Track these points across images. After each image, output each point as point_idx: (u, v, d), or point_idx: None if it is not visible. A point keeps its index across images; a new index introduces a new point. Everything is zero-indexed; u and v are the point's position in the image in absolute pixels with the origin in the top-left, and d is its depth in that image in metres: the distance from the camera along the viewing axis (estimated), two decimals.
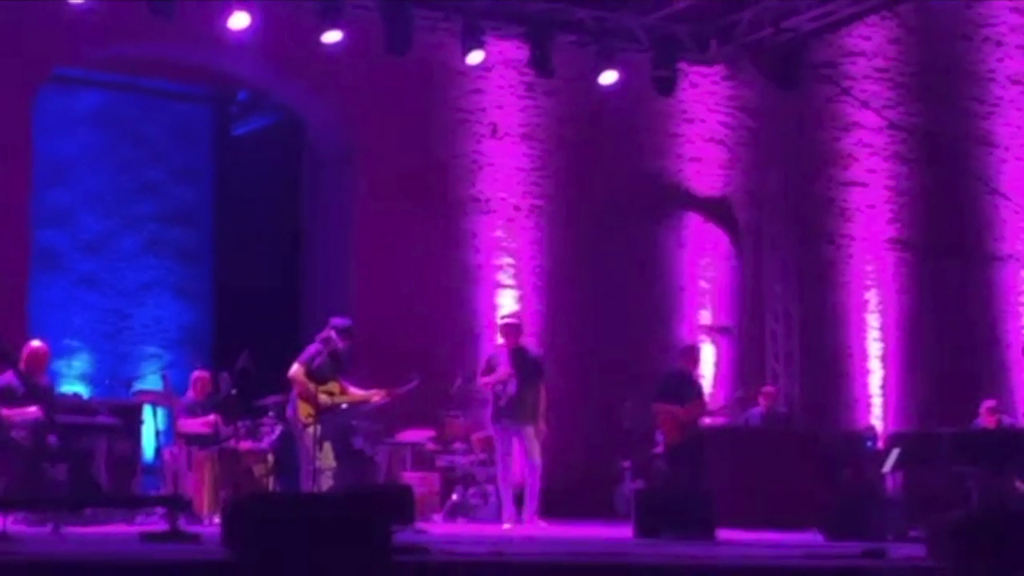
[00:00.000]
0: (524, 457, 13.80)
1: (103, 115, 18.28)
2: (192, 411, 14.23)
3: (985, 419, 16.23)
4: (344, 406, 13.31)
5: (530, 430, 13.66)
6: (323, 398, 12.82)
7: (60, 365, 16.76)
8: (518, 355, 13.84)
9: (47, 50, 15.99)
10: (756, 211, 19.63)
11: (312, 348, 13.22)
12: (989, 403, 16.54)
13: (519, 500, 13.93)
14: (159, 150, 18.61)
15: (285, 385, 13.25)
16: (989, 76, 21.36)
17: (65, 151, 17.98)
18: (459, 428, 16.39)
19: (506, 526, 13.53)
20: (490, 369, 13.88)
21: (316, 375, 12.87)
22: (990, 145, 21.26)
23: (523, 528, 13.33)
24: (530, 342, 14.58)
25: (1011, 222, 21.24)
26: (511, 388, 13.69)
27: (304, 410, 12.93)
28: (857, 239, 20.24)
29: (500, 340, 14.24)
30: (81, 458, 12.74)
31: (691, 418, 14.88)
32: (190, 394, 14.43)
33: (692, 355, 15.76)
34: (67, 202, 17.97)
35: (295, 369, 13.08)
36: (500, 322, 14.55)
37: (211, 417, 13.90)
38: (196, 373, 14.59)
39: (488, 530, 13.39)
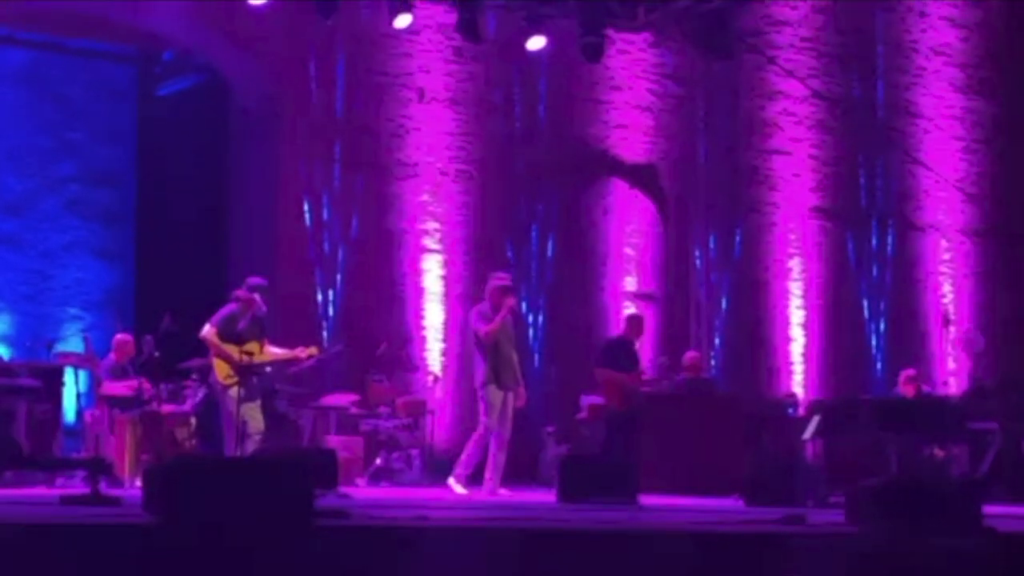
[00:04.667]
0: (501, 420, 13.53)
1: (25, 74, 18.04)
2: (115, 374, 14.13)
3: (904, 387, 16.40)
4: (268, 369, 13.20)
5: (511, 395, 13.57)
6: (243, 358, 12.61)
7: None
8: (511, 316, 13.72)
9: None
10: (681, 178, 19.71)
11: (227, 308, 12.99)
12: (908, 372, 16.72)
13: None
14: (82, 110, 18.39)
15: (206, 348, 13.11)
16: (912, 46, 21.52)
17: None
18: (384, 392, 16.38)
19: (503, 491, 13.33)
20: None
21: (238, 337, 12.68)
22: (913, 115, 21.43)
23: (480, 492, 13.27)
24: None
25: (932, 192, 21.43)
26: (505, 349, 13.58)
27: (222, 371, 12.68)
28: (781, 207, 20.36)
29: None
30: (1, 420, 12.63)
31: (635, 387, 15.07)
32: (112, 356, 14.32)
33: (637, 325, 15.92)
34: None
35: (207, 330, 12.77)
36: (500, 283, 13.73)
37: (134, 380, 13.79)
38: (118, 336, 14.47)
39: (412, 494, 13.39)
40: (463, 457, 13.50)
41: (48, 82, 18.18)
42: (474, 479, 13.56)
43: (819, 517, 9.21)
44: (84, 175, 18.36)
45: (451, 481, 13.41)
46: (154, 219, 18.25)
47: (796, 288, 20.40)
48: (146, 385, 13.67)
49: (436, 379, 17.39)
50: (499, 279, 13.77)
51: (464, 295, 18.08)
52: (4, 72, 17.92)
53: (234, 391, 12.49)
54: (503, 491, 13.26)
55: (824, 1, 20.81)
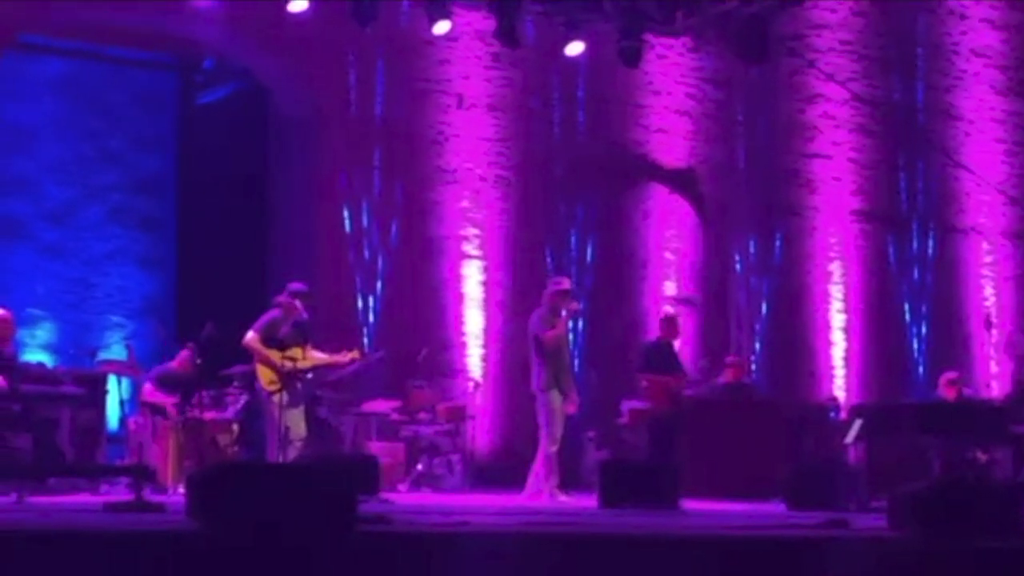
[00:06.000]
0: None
1: (67, 83, 18.16)
2: (164, 381, 14.18)
3: (944, 391, 16.30)
4: (309, 375, 13.22)
5: (565, 400, 13.39)
6: (286, 363, 12.66)
7: (24, 334, 16.65)
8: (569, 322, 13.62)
9: (11, 16, 15.88)
10: (721, 183, 19.68)
11: (269, 315, 13.03)
12: (949, 375, 16.60)
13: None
14: (123, 119, 18.50)
15: (248, 355, 13.13)
16: (953, 49, 21.43)
17: (28, 119, 17.87)
18: (424, 398, 16.40)
19: (563, 497, 13.22)
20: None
21: (280, 344, 12.73)
22: (953, 118, 21.34)
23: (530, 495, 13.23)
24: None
25: (974, 195, 21.34)
26: (564, 355, 13.44)
27: (266, 376, 12.71)
28: (821, 211, 20.31)
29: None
30: (45, 428, 12.72)
31: (679, 389, 15.03)
32: (174, 364, 14.30)
33: (672, 326, 15.87)
34: (30, 171, 17.87)
35: (250, 336, 12.82)
36: (561, 287, 13.60)
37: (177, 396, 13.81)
38: (185, 351, 14.36)
39: (453, 500, 13.41)
40: (540, 475, 13.25)
41: (89, 91, 18.29)
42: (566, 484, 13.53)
43: (862, 521, 9.20)
44: (125, 183, 18.46)
45: (557, 498, 13.08)
46: (195, 226, 18.33)
47: (837, 292, 20.34)
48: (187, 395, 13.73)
49: (477, 385, 17.41)
50: (559, 283, 13.65)
51: (504, 301, 18.11)
52: (45, 82, 18.05)
53: (278, 397, 12.52)
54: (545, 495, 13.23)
55: (864, 4, 20.75)
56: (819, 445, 16.48)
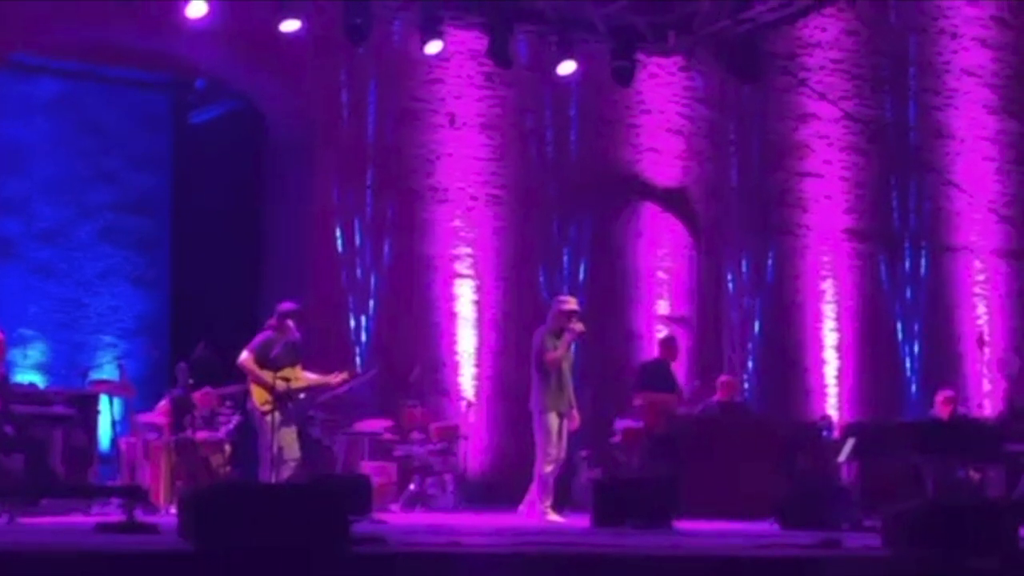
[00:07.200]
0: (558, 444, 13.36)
1: (60, 103, 18.17)
2: (178, 403, 14.19)
3: (940, 409, 16.32)
4: (302, 396, 13.19)
5: (566, 419, 13.35)
6: (279, 384, 12.64)
7: (15, 355, 16.66)
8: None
9: (4, 36, 15.89)
10: (713, 202, 19.70)
11: (263, 335, 13.01)
12: (946, 393, 16.62)
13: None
14: (117, 138, 18.50)
15: (242, 375, 13.11)
16: (944, 68, 21.47)
17: (21, 138, 17.87)
18: (417, 418, 16.38)
19: (555, 517, 13.15)
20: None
21: (272, 364, 12.70)
22: (945, 137, 21.38)
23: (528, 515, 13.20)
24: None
25: (965, 213, 21.36)
26: (565, 374, 13.33)
27: (260, 396, 12.68)
28: (813, 229, 20.33)
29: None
30: (37, 448, 12.69)
31: (673, 407, 15.05)
32: (197, 399, 14.24)
33: (672, 347, 15.87)
34: (23, 190, 17.87)
35: (244, 356, 12.76)
36: (567, 307, 13.39)
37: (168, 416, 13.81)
38: (207, 388, 14.33)
39: (446, 520, 13.39)
40: (534, 495, 13.24)
41: (83, 111, 18.30)
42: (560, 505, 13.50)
43: (855, 541, 9.19)
44: (119, 203, 18.46)
45: (548, 517, 13.07)
46: (188, 246, 18.32)
47: (829, 310, 20.35)
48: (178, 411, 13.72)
49: (469, 404, 17.40)
50: (563, 302, 13.46)
51: (496, 320, 18.11)
52: (39, 101, 18.05)
53: (271, 417, 12.49)
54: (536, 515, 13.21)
55: (855, 23, 20.80)
56: (812, 464, 16.47)
